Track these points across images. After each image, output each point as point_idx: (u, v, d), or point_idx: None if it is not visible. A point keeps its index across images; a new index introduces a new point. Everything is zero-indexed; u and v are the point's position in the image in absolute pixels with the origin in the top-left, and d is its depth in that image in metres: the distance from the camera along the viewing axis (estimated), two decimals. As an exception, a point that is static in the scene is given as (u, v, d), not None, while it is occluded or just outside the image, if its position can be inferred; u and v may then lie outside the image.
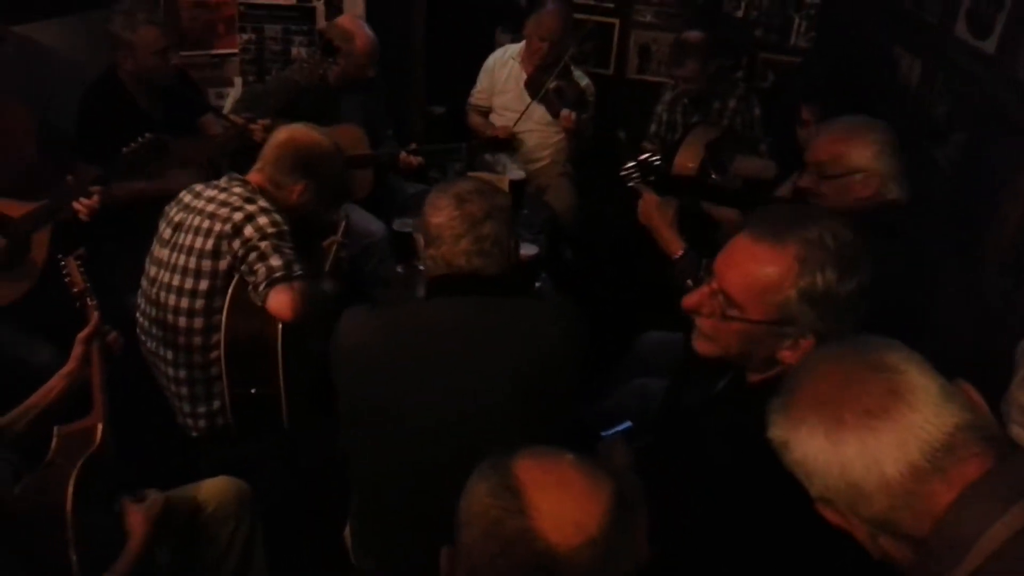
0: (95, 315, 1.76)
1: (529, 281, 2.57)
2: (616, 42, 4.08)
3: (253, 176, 2.15)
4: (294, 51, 3.42)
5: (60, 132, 2.73)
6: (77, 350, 1.73)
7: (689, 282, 2.00)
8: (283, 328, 1.98)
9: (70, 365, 1.72)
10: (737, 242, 1.33)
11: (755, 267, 1.28)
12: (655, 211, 2.12)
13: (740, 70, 3.88)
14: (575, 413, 1.71)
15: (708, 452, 1.38)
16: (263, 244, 1.97)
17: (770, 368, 1.34)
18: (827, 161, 1.92)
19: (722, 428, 1.38)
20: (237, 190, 2.07)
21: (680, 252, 2.05)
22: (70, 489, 1.44)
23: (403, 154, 3.11)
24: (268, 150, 2.16)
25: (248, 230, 1.98)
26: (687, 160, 2.99)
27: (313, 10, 3.37)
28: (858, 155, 1.88)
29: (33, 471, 1.49)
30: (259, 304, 1.96)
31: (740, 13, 3.81)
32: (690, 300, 1.38)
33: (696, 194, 2.83)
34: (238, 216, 1.99)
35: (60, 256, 1.90)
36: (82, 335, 1.74)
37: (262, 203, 2.04)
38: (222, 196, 2.06)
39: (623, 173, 2.36)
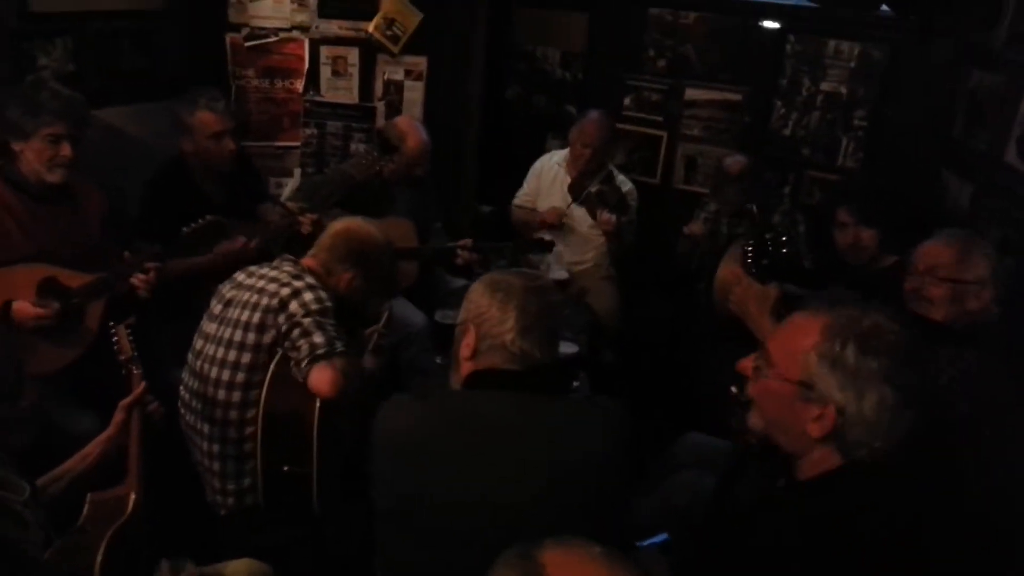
0: (139, 384, 1.79)
1: (567, 380, 2.55)
2: (663, 153, 4.18)
3: (307, 260, 2.23)
4: (353, 147, 3.57)
5: (123, 210, 2.86)
6: (118, 416, 1.75)
7: (733, 388, 1.97)
8: (320, 405, 2.00)
9: (110, 431, 1.74)
10: (790, 317, 1.48)
11: (792, 330, 1.44)
12: (752, 299, 2.03)
13: (787, 186, 3.93)
14: (617, 518, 1.66)
15: (767, 551, 1.38)
16: (307, 320, 2.00)
17: (805, 447, 1.40)
18: (943, 265, 1.94)
19: (779, 528, 1.39)
20: (287, 268, 2.15)
21: None
22: (99, 557, 1.43)
23: (459, 250, 3.19)
24: (325, 238, 2.26)
25: (293, 305, 2.03)
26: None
27: (374, 110, 3.53)
28: (977, 266, 1.92)
29: (64, 536, 1.49)
30: (300, 379, 1.98)
31: (788, 131, 3.89)
32: (744, 363, 1.52)
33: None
34: (285, 291, 2.05)
35: (111, 323, 1.95)
36: (124, 402, 1.76)
37: (309, 280, 2.10)
38: (272, 273, 2.13)
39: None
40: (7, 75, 2.60)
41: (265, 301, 2.06)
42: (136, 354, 1.87)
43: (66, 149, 2.37)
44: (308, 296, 2.05)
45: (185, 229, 2.43)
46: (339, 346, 2.00)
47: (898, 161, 3.49)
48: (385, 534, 1.60)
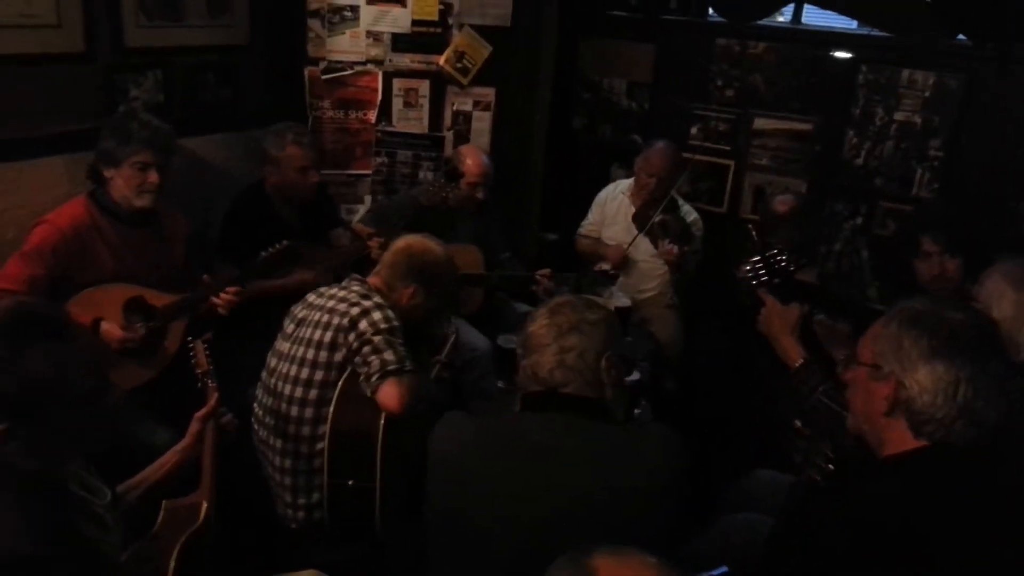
0: (214, 396, 1.87)
1: (628, 407, 2.54)
2: (730, 182, 4.15)
3: (372, 278, 2.30)
4: (421, 175, 3.66)
5: (204, 233, 3.00)
6: (193, 428, 1.84)
7: (797, 422, 1.94)
8: (386, 422, 2.04)
9: (185, 442, 1.82)
10: None
11: (872, 326, 1.54)
12: (775, 317, 2.08)
13: (859, 217, 3.86)
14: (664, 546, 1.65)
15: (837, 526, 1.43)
16: (376, 338, 2.06)
17: (882, 431, 1.48)
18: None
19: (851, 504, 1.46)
20: (355, 288, 2.22)
21: (799, 362, 2.01)
22: (172, 563, 1.49)
23: (538, 278, 3.23)
24: (387, 255, 2.33)
25: (363, 324, 2.09)
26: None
27: (442, 139, 3.62)
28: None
29: (140, 541, 1.56)
30: (369, 394, 2.04)
31: (860, 161, 3.82)
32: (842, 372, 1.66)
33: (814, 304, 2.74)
34: (355, 311, 2.11)
35: (189, 339, 2.05)
36: (199, 414, 1.84)
37: (377, 300, 2.16)
38: (341, 293, 2.20)
39: (747, 267, 2.22)
40: (102, 105, 2.78)
41: (336, 320, 2.13)
42: (212, 368, 1.96)
43: (153, 176, 2.51)
44: (377, 315, 2.11)
45: (263, 253, 2.54)
46: (409, 364, 2.05)
47: (975, 191, 3.39)
48: (434, 549, 1.63)
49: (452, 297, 2.42)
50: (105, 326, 2.40)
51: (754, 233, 2.37)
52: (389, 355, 2.04)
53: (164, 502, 1.68)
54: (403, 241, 2.35)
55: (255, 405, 2.27)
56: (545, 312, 1.64)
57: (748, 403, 3.10)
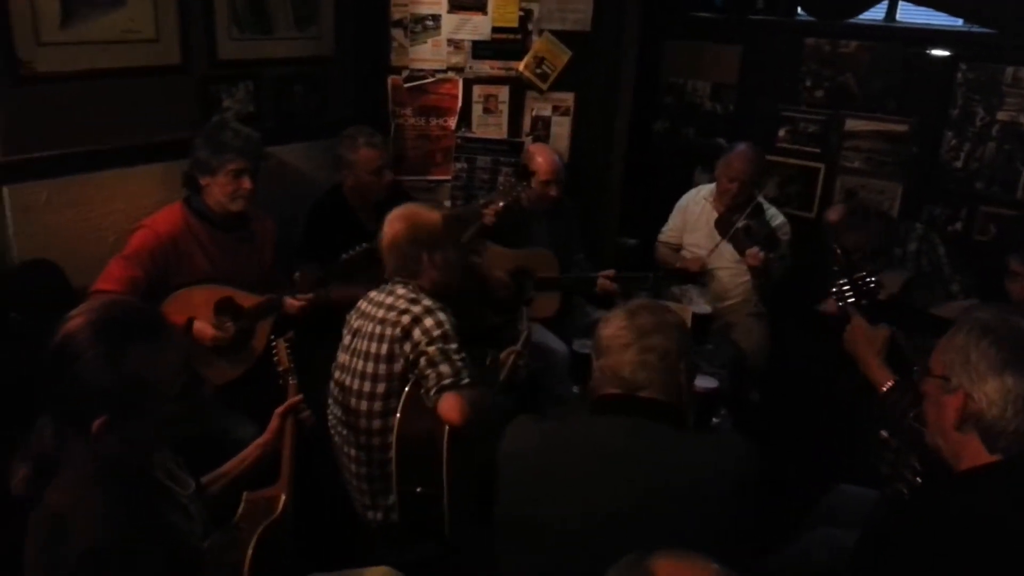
0: (294, 392, 1.93)
1: (706, 415, 2.49)
2: (820, 186, 4.01)
3: (396, 281, 2.25)
4: (500, 180, 3.68)
5: (289, 236, 3.10)
6: (274, 423, 1.89)
7: (884, 432, 1.86)
8: (449, 430, 2.04)
9: (265, 436, 1.88)
10: None
11: (945, 337, 1.50)
12: (862, 339, 2.03)
13: (958, 222, 3.67)
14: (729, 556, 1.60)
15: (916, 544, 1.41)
16: (431, 349, 2.05)
17: (955, 444, 1.44)
18: None
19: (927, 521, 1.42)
20: (400, 291, 2.20)
21: (888, 385, 1.93)
22: (250, 552, 1.54)
23: (600, 279, 3.19)
24: (385, 253, 2.27)
25: (416, 333, 2.08)
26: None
27: (522, 144, 3.63)
28: None
29: (221, 530, 1.62)
30: (430, 406, 2.04)
31: (959, 163, 3.63)
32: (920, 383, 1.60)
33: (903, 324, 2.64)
34: (405, 319, 2.10)
35: (272, 337, 2.12)
36: (280, 409, 1.90)
37: (426, 302, 2.14)
38: (389, 300, 2.19)
39: (834, 289, 2.21)
40: (197, 115, 2.91)
41: (389, 332, 2.12)
42: (293, 366, 2.02)
43: (246, 182, 2.61)
44: (428, 322, 2.09)
45: (343, 256, 2.61)
46: (466, 376, 2.04)
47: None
48: (503, 551, 1.62)
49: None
50: (197, 325, 2.50)
51: (839, 253, 2.33)
52: (445, 368, 2.03)
53: (245, 493, 1.74)
54: (385, 233, 2.27)
55: (328, 414, 2.30)
56: (624, 313, 1.62)
57: (834, 414, 2.99)
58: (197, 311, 2.54)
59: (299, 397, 1.96)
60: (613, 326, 1.59)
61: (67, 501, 1.32)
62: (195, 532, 1.53)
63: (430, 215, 2.28)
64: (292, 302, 2.64)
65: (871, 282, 2.19)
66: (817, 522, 2.19)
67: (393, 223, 2.26)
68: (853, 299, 2.17)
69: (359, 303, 2.30)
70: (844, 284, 2.20)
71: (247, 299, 2.63)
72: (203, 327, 2.51)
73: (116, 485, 1.35)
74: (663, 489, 1.47)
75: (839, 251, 2.39)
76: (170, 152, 2.81)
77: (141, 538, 1.32)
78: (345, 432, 2.23)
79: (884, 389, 1.93)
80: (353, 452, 2.21)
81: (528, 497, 1.55)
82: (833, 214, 3.32)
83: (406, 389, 2.11)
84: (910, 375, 1.91)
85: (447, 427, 2.03)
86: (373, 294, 2.27)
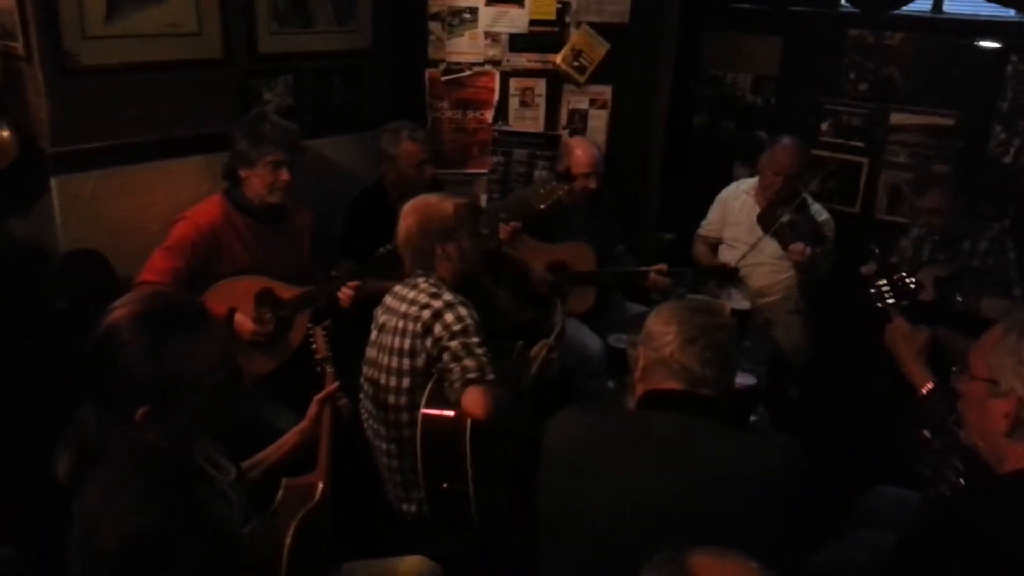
0: (332, 380, 1.94)
1: (744, 412, 2.45)
2: (864, 181, 3.93)
3: (417, 275, 2.25)
4: (536, 173, 3.67)
5: (328, 229, 3.13)
6: (312, 410, 1.91)
7: (926, 433, 1.82)
8: (472, 426, 2.02)
9: (304, 423, 1.90)
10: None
11: (984, 335, 1.47)
12: (902, 339, 2.00)
13: (1006, 219, 3.57)
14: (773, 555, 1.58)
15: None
16: (453, 343, 2.04)
17: (1001, 450, 1.40)
18: None
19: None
20: (423, 285, 2.19)
21: (928, 387, 1.89)
22: (288, 539, 1.56)
23: (652, 275, 3.17)
24: (401, 246, 2.26)
25: (437, 328, 2.07)
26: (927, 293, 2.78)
27: (558, 138, 3.62)
28: None
29: (261, 516, 1.64)
30: (453, 400, 2.03)
31: (1008, 159, 3.53)
32: (954, 379, 1.55)
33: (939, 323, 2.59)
34: (426, 314, 2.10)
35: (310, 325, 2.14)
36: (318, 396, 1.92)
37: (447, 297, 2.13)
38: (412, 294, 2.18)
39: (873, 290, 2.19)
40: (237, 108, 2.94)
41: (411, 327, 2.12)
42: (331, 354, 2.03)
43: (285, 174, 2.64)
44: (449, 316, 2.07)
45: (381, 249, 2.62)
46: (490, 371, 2.03)
47: None
48: (545, 543, 1.62)
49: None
50: (238, 317, 2.53)
51: (877, 253, 2.30)
52: (469, 362, 2.02)
53: (284, 480, 1.76)
54: (400, 227, 2.26)
55: (360, 407, 2.31)
56: (684, 307, 1.61)
57: (874, 414, 2.93)
58: (238, 302, 2.57)
59: (336, 384, 1.98)
60: (676, 320, 1.56)
61: (109, 489, 1.35)
62: (235, 519, 1.55)
63: (442, 204, 2.25)
64: (346, 290, 2.64)
65: (911, 283, 2.16)
66: (856, 523, 2.15)
67: (406, 216, 2.26)
68: (893, 300, 2.15)
69: (385, 298, 2.30)
70: (884, 284, 2.17)
71: (286, 291, 2.65)
72: (243, 320, 2.53)
73: (157, 474, 1.37)
74: (713, 485, 1.46)
75: (877, 250, 2.37)
76: (211, 144, 2.84)
77: (180, 526, 1.34)
78: (376, 425, 2.24)
79: (924, 391, 1.90)
80: (384, 445, 2.23)
81: (573, 490, 1.54)
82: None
83: (429, 384, 2.11)
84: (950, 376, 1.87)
85: (468, 422, 2.01)
86: (398, 288, 2.27)
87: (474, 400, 1.98)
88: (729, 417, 1.57)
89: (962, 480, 1.70)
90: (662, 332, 1.56)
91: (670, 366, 1.54)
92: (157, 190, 2.81)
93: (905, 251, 3.31)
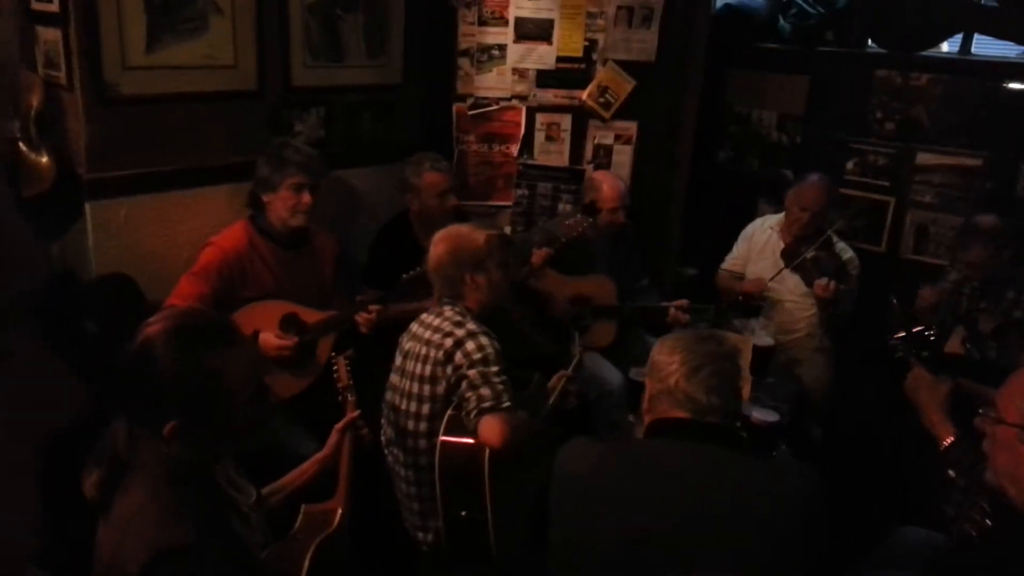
0: (353, 409, 1.96)
1: (765, 449, 2.43)
2: (890, 220, 3.91)
3: (444, 302, 2.28)
4: (560, 207, 3.70)
5: (354, 257, 3.17)
6: (332, 439, 1.93)
7: (951, 472, 1.79)
8: (491, 455, 2.03)
9: (324, 451, 1.91)
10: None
11: (1013, 379, 1.49)
12: (923, 389, 1.98)
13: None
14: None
15: None
16: (472, 372, 2.06)
17: None
18: None
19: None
20: (448, 313, 2.21)
21: (950, 439, 1.87)
22: (306, 563, 1.56)
23: (673, 311, 3.17)
24: (431, 275, 2.30)
25: (458, 356, 2.09)
26: (954, 345, 2.74)
27: (583, 172, 3.65)
28: None
29: (279, 541, 1.65)
30: (470, 429, 2.04)
31: (1039, 199, 3.50)
32: (978, 420, 1.56)
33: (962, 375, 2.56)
34: (448, 342, 2.12)
35: (333, 354, 2.16)
36: (338, 425, 1.94)
37: (470, 326, 2.15)
38: (436, 322, 2.21)
39: (892, 342, 2.20)
40: (269, 138, 2.99)
41: (433, 353, 2.14)
42: (352, 383, 2.05)
43: (307, 197, 2.69)
44: (470, 345, 2.09)
45: (404, 276, 2.65)
46: (506, 400, 2.04)
47: None
48: (556, 570, 1.61)
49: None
50: (263, 336, 2.58)
51: (896, 306, 2.29)
52: (485, 391, 2.03)
53: (303, 506, 1.77)
54: (430, 255, 2.29)
55: (381, 434, 2.32)
56: (688, 338, 1.62)
57: (898, 453, 2.89)
58: (263, 325, 2.61)
59: (357, 413, 1.99)
60: (680, 350, 1.58)
61: (137, 504, 1.36)
62: (255, 541, 1.56)
63: (473, 235, 2.29)
64: (364, 315, 2.67)
65: (930, 335, 2.19)
66: (880, 564, 2.11)
67: (437, 245, 2.29)
68: (914, 351, 2.16)
69: (411, 325, 2.33)
70: (904, 337, 2.21)
71: (311, 315, 2.69)
72: (268, 337, 2.58)
73: (185, 489, 1.39)
74: (724, 512, 1.45)
75: (896, 304, 2.36)
76: (242, 174, 2.89)
77: (209, 542, 1.34)
78: (396, 451, 2.25)
79: (945, 443, 1.87)
80: (403, 472, 2.24)
81: (583, 518, 1.54)
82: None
83: (448, 412, 2.12)
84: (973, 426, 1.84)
85: (487, 451, 2.02)
86: (424, 316, 2.30)
87: (490, 429, 1.99)
88: (739, 444, 1.57)
89: (988, 521, 1.66)
90: (667, 362, 1.58)
91: (675, 396, 1.55)
92: (189, 217, 2.87)
93: (942, 294, 3.24)
